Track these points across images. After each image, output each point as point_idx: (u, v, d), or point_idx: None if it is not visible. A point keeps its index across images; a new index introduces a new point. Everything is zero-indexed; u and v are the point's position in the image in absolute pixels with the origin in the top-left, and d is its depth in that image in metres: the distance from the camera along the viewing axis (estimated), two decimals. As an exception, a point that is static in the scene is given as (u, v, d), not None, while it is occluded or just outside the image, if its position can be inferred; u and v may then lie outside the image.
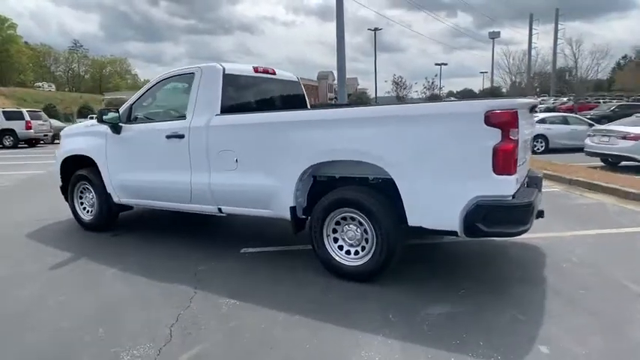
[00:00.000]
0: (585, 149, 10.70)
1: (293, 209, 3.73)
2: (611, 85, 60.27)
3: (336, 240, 3.63)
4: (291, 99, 5.20)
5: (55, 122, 24.13)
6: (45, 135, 20.81)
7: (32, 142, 20.43)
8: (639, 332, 2.73)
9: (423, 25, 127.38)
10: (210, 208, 4.27)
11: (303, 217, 3.83)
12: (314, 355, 2.55)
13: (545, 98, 40.49)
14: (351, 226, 3.55)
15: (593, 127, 12.11)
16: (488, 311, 2.99)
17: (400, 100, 53.55)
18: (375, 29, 46.30)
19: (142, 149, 4.64)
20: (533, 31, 52.70)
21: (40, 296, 3.42)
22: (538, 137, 13.77)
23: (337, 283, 3.51)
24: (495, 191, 2.97)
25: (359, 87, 73.89)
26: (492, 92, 55.54)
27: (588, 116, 19.12)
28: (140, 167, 4.64)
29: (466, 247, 4.40)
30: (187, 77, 4.40)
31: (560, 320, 2.86)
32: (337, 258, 3.58)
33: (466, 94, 60.14)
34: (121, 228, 5.31)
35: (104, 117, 4.64)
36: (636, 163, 9.44)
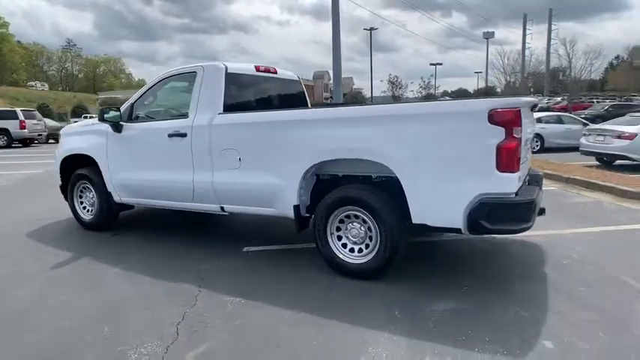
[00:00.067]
0: (580, 148, 10.80)
1: (296, 208, 3.74)
2: (604, 85, 60.87)
3: (339, 238, 3.64)
4: (292, 98, 5.21)
5: (50, 122, 23.89)
6: (39, 135, 20.58)
7: (26, 142, 20.17)
8: (641, 327, 2.77)
9: (418, 25, 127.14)
10: (212, 207, 4.27)
11: (307, 215, 3.83)
12: (320, 352, 2.56)
13: (539, 98, 40.74)
14: (354, 223, 3.56)
15: (588, 127, 12.20)
16: (492, 308, 3.02)
17: (396, 99, 53.71)
18: (371, 29, 46.23)
19: (144, 148, 4.62)
20: (527, 32, 52.83)
21: (40, 296, 3.39)
22: (533, 136, 13.83)
23: (341, 280, 3.52)
24: (498, 189, 3.00)
25: (354, 86, 74.11)
26: (487, 92, 55.89)
27: (582, 116, 19.30)
28: (142, 166, 4.63)
29: (466, 244, 4.43)
30: (189, 76, 4.39)
31: (562, 316, 2.89)
32: (341, 256, 3.60)
33: (460, 94, 60.50)
34: (122, 227, 5.29)
35: (105, 116, 4.62)
36: (631, 162, 9.55)
